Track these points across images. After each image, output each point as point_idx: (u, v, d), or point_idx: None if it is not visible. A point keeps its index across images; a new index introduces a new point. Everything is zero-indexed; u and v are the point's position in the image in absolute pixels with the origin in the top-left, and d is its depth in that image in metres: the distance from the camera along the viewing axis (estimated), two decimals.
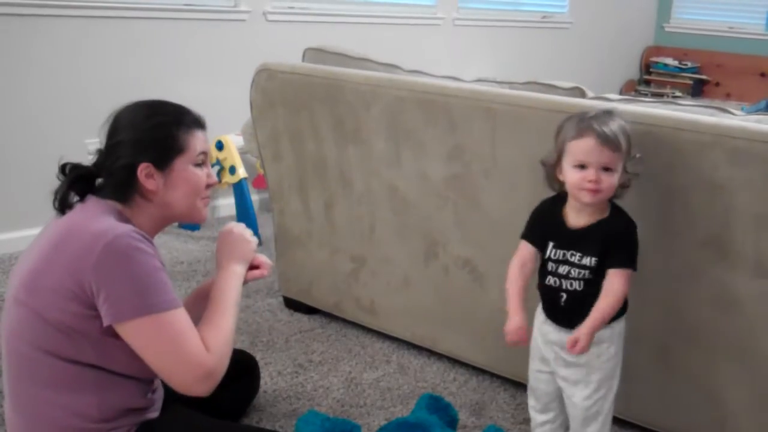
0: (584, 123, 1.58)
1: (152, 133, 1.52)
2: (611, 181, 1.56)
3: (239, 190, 3.45)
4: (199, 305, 1.63)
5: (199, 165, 1.58)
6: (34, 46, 3.11)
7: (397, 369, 2.36)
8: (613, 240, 1.59)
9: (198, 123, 1.60)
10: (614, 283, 1.59)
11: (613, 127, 1.57)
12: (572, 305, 1.64)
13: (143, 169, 1.50)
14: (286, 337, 2.53)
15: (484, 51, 5.08)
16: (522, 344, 1.68)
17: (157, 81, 3.44)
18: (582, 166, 1.57)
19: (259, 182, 3.76)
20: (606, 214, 1.62)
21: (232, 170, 3.44)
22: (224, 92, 3.61)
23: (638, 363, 1.91)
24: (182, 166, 1.54)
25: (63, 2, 3.14)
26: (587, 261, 1.61)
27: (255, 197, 3.82)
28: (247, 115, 2.61)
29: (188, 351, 1.42)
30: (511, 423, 2.09)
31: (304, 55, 2.57)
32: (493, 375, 2.30)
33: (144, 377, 1.53)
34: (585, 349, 1.57)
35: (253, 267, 1.73)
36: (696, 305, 1.79)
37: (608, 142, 1.54)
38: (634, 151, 1.62)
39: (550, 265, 1.67)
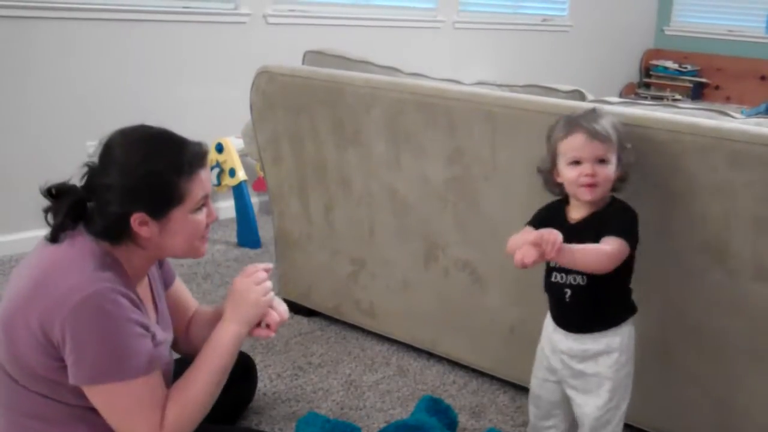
0: (571, 121, 1.62)
1: (146, 182, 1.39)
2: (607, 172, 1.58)
3: (239, 192, 3.45)
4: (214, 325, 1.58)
5: (198, 209, 1.47)
6: (33, 49, 3.11)
7: (396, 371, 2.36)
8: (609, 219, 1.59)
9: (198, 161, 1.45)
10: (605, 242, 1.55)
11: (600, 121, 1.60)
12: (577, 301, 1.63)
13: (136, 218, 1.40)
14: (286, 340, 2.53)
15: (484, 54, 5.09)
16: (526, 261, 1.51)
17: (157, 83, 3.45)
18: (577, 162, 1.59)
19: (259, 185, 3.76)
20: (605, 204, 1.63)
21: (232, 173, 3.44)
22: (224, 95, 3.61)
23: (640, 365, 1.90)
24: (180, 215, 1.43)
25: (63, 5, 3.15)
26: None
27: (255, 200, 3.81)
28: (248, 117, 2.61)
29: (137, 427, 1.38)
30: (510, 426, 2.09)
31: (304, 58, 2.58)
32: (492, 378, 2.30)
33: None
34: (531, 256, 1.48)
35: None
36: (697, 308, 1.79)
37: (597, 134, 1.57)
38: (625, 141, 1.63)
39: (553, 261, 1.63)
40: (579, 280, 1.62)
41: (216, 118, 3.56)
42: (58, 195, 1.44)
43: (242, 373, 2.01)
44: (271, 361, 2.38)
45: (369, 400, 2.19)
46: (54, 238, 1.42)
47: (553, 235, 1.48)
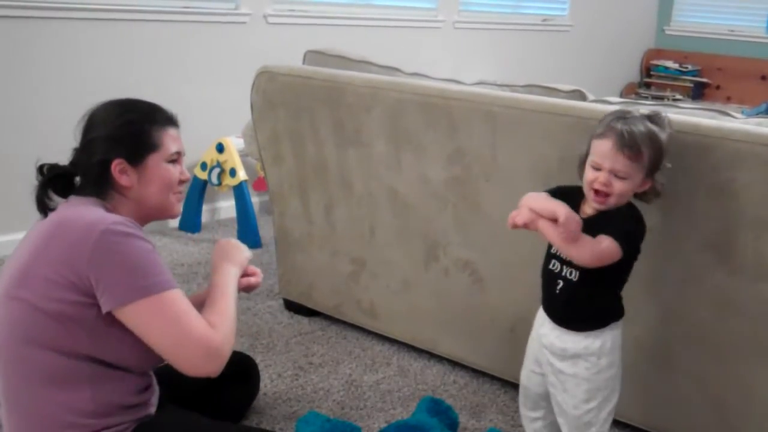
0: (612, 122, 1.56)
1: (125, 130, 1.55)
2: (623, 188, 1.54)
3: (239, 192, 3.44)
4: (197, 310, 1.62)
5: (172, 162, 1.60)
6: (34, 48, 3.11)
7: (397, 371, 2.36)
8: (614, 219, 1.56)
9: (170, 120, 1.62)
10: (598, 239, 1.53)
11: (639, 131, 1.53)
12: (566, 296, 1.64)
13: (117, 165, 1.52)
14: (287, 340, 2.53)
15: (484, 54, 5.08)
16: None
17: (158, 83, 3.44)
18: (598, 168, 1.55)
19: (260, 185, 3.76)
20: (616, 208, 1.58)
21: (233, 173, 3.44)
22: (225, 94, 3.61)
23: (640, 366, 1.90)
24: (155, 162, 1.57)
25: (63, 4, 3.14)
26: None
27: (255, 200, 3.81)
28: (248, 117, 2.61)
29: (193, 327, 1.43)
30: (511, 425, 2.09)
31: (304, 58, 2.58)
32: (493, 377, 2.29)
33: (139, 370, 1.53)
34: (523, 216, 1.55)
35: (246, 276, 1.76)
36: (697, 308, 1.78)
37: (625, 147, 1.51)
38: (665, 161, 1.58)
39: (555, 248, 1.63)
40: (572, 275, 1.62)
41: (216, 118, 3.56)
42: (48, 171, 1.58)
43: (243, 374, 2.02)
44: (272, 360, 2.38)
45: (369, 400, 2.19)
46: (42, 208, 1.54)
47: (576, 223, 1.48)
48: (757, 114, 5.36)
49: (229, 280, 1.63)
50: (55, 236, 1.43)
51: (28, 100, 3.14)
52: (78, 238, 1.40)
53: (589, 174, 1.57)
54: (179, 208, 1.66)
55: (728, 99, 6.04)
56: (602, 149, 1.54)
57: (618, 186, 1.54)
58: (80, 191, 1.56)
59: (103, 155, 1.53)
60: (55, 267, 1.40)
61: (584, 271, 1.59)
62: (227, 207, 3.80)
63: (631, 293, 1.78)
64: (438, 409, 2.02)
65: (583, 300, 1.63)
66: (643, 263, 1.72)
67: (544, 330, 1.71)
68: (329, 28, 4.09)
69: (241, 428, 1.95)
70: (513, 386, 2.23)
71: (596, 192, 1.56)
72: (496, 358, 2.22)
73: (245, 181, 3.44)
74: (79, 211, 1.47)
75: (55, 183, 1.56)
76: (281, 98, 2.42)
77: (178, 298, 1.45)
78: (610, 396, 1.67)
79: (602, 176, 1.54)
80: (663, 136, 1.56)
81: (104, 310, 1.40)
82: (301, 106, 2.38)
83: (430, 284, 2.29)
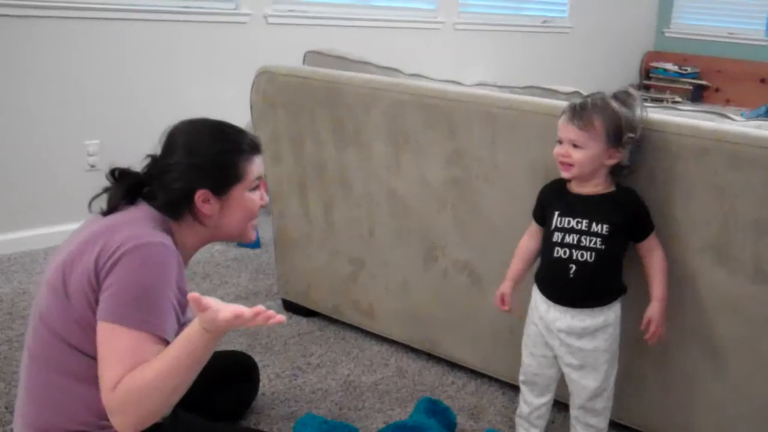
0: (572, 102, 1.69)
1: (213, 160, 1.53)
2: (580, 157, 1.65)
3: None
4: None
5: (254, 189, 1.59)
6: (33, 48, 3.11)
7: (395, 372, 2.36)
8: (632, 214, 1.68)
9: (256, 148, 1.60)
10: (653, 249, 1.71)
11: (591, 103, 1.65)
12: (581, 277, 1.68)
13: (201, 195, 1.51)
14: (285, 340, 2.53)
15: (484, 55, 5.09)
16: (502, 308, 1.86)
17: (157, 83, 3.45)
18: (560, 141, 1.68)
19: None
20: (613, 188, 1.70)
21: None
22: (224, 95, 3.61)
23: (637, 367, 1.91)
24: (239, 193, 1.56)
25: (63, 3, 3.15)
26: (598, 228, 1.66)
27: None
28: (248, 117, 2.61)
29: (104, 373, 1.35)
30: (509, 427, 2.09)
31: (304, 58, 2.58)
32: (491, 378, 2.30)
33: None
34: (661, 330, 1.71)
35: None
36: (695, 309, 1.79)
37: (574, 119, 1.64)
38: (626, 131, 1.65)
39: (557, 236, 1.71)
40: (587, 256, 1.67)
41: (216, 118, 3.56)
42: (120, 177, 1.56)
43: (243, 374, 2.02)
44: (270, 361, 2.38)
45: (368, 400, 2.19)
46: (109, 212, 1.51)
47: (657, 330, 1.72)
48: (757, 117, 5.37)
49: (178, 344, 1.35)
50: (97, 241, 1.41)
51: (27, 100, 3.13)
52: (111, 248, 1.38)
53: (555, 148, 1.69)
54: (254, 234, 1.65)
55: (727, 101, 6.05)
56: (559, 124, 1.69)
57: (576, 155, 1.65)
58: (152, 200, 1.54)
59: (188, 183, 1.51)
60: (86, 272, 1.39)
61: (600, 251, 1.66)
62: None
63: (629, 293, 1.78)
64: (436, 409, 2.02)
65: (600, 277, 1.70)
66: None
67: (553, 315, 1.74)
68: (329, 29, 4.10)
69: (240, 429, 1.95)
70: (511, 387, 2.23)
71: (561, 163, 1.68)
72: (495, 359, 2.22)
73: None
74: (131, 222, 1.45)
75: (129, 192, 1.53)
76: (281, 98, 2.42)
77: (142, 345, 1.35)
78: (616, 359, 1.78)
79: (561, 148, 1.67)
80: (622, 108, 1.65)
81: (97, 318, 1.37)
82: (300, 106, 2.38)
83: (429, 285, 2.29)
